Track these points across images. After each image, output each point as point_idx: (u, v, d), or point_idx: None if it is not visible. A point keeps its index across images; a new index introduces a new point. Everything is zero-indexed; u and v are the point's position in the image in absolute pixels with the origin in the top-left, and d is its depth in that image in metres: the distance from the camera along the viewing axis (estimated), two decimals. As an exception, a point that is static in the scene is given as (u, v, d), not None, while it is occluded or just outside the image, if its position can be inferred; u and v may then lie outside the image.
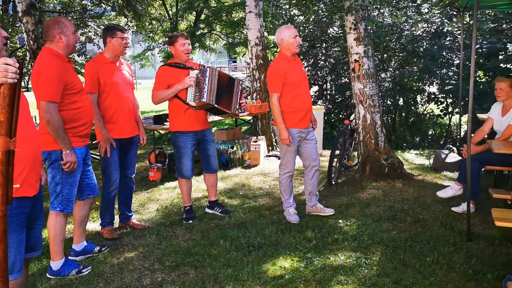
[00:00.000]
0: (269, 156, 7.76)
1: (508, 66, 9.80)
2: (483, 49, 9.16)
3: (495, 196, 4.25)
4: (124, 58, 19.54)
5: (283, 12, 11.03)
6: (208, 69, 4.48)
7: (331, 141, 8.28)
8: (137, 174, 6.92)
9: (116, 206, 4.66)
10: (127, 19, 13.43)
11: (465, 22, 9.41)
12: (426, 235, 4.31)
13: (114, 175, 4.24)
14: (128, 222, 4.66)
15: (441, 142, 10.25)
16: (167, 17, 17.49)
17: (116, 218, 4.69)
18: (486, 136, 5.17)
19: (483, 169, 5.30)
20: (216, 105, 4.50)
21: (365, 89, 5.95)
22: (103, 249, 4.07)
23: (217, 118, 6.23)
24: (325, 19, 9.62)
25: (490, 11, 9.22)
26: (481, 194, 4.91)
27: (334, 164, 5.96)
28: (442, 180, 6.16)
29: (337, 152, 6.25)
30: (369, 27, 5.83)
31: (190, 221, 4.78)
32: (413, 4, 9.57)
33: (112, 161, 4.19)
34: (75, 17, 13.28)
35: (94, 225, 4.77)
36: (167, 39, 17.86)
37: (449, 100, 9.97)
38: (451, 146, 7.23)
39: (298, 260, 3.84)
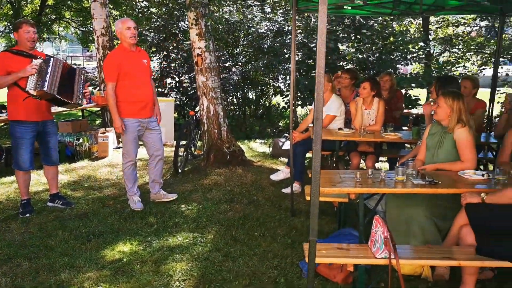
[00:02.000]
0: (119, 147, 7.74)
1: (341, 63, 11.07)
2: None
3: (310, 176, 4.90)
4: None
5: (134, 2, 10.95)
6: (52, 58, 4.44)
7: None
8: (-32, 169, 6.41)
9: None
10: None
11: (303, 23, 10.39)
12: (258, 213, 4.82)
13: None
14: (-46, 220, 4.36)
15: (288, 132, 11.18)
16: (8, 1, 16.05)
17: None
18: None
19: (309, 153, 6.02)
20: (57, 95, 4.45)
21: (208, 82, 6.31)
22: None
23: (60, 109, 6.06)
24: (176, 12, 9.80)
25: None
26: (307, 176, 5.59)
27: (180, 153, 6.22)
28: (277, 165, 6.83)
29: (184, 142, 6.53)
30: (209, 23, 6.19)
31: (27, 215, 4.64)
32: (258, 4, 10.24)
33: None
34: None
35: None
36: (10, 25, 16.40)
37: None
38: (287, 134, 7.99)
39: (137, 244, 4.02)
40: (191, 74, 11.10)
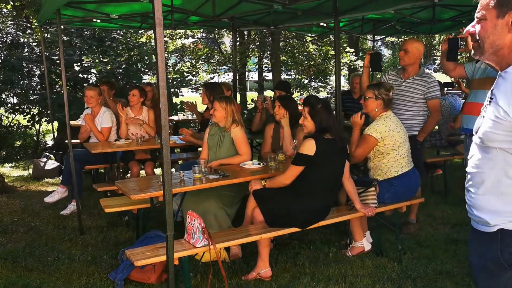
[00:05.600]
0: None
1: (85, 76, 10.82)
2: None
3: (100, 189, 4.88)
4: None
5: None
6: None
7: None
8: None
9: None
10: None
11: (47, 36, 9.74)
12: (43, 239, 4.51)
13: None
14: None
15: (30, 152, 10.28)
16: None
17: None
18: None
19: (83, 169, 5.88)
20: None
21: None
22: None
23: None
24: None
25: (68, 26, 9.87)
26: (84, 192, 5.46)
27: None
28: (45, 187, 6.39)
29: None
30: None
31: None
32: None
33: None
34: None
35: None
36: None
37: (35, 110, 10.10)
38: (47, 154, 7.48)
39: None
40: None
